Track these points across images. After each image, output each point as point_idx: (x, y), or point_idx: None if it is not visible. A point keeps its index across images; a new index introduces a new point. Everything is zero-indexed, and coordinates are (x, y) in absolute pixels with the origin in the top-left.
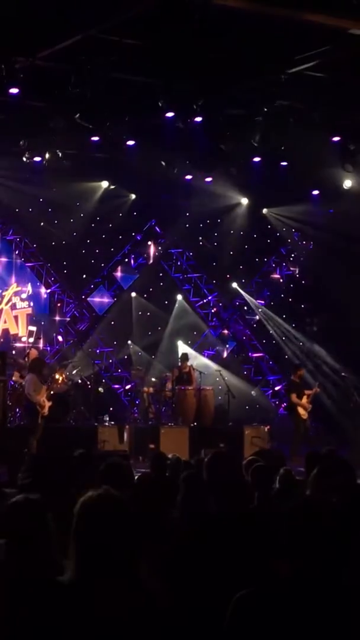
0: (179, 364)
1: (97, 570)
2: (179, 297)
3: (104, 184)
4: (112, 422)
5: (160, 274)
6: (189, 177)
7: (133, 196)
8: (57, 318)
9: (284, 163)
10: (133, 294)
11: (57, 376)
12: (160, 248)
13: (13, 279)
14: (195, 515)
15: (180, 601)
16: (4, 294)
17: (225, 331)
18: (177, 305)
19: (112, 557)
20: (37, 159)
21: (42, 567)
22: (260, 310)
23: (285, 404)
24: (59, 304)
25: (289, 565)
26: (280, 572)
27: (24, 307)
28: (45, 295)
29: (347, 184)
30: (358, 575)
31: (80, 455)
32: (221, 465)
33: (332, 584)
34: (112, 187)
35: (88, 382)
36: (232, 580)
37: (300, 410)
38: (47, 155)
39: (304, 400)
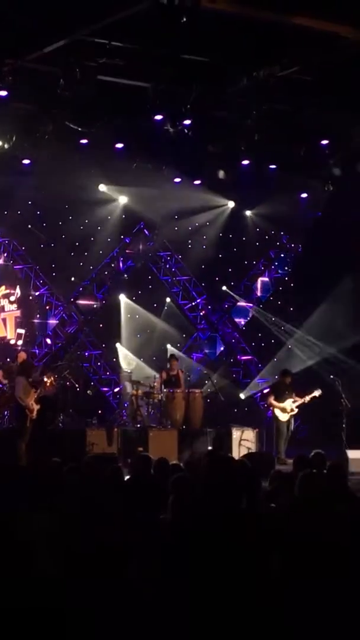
0: (168, 365)
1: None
2: (168, 299)
3: (93, 186)
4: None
5: (149, 277)
6: (177, 179)
7: (122, 199)
8: (46, 321)
9: (273, 166)
10: (122, 297)
11: (45, 379)
12: (148, 251)
13: (1, 281)
14: (186, 517)
15: (172, 600)
16: None
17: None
18: (165, 307)
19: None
20: (26, 161)
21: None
22: (250, 312)
23: None
24: (47, 307)
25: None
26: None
27: (12, 310)
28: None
29: (335, 186)
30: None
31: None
32: (213, 468)
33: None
34: (101, 190)
35: (77, 385)
36: (223, 579)
37: (277, 412)
38: (36, 158)
39: (288, 402)
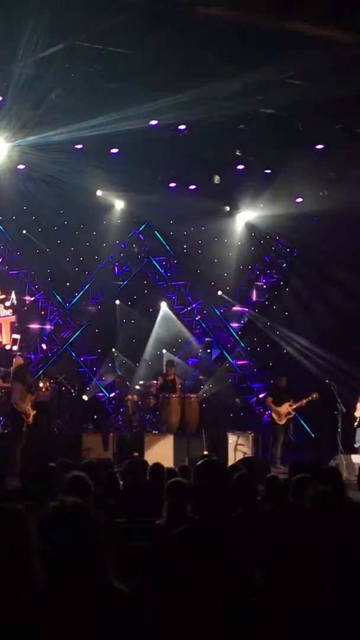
0: (164, 370)
1: (67, 580)
2: (163, 304)
3: (88, 192)
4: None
5: (144, 282)
6: (173, 184)
7: (117, 204)
8: (42, 326)
9: (268, 171)
10: (117, 302)
11: (40, 384)
12: (144, 256)
13: None
14: (180, 522)
15: (165, 607)
16: None
17: (208, 338)
18: (161, 312)
19: (80, 566)
20: (21, 166)
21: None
22: (246, 316)
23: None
24: (42, 312)
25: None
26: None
27: (8, 315)
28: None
29: (331, 191)
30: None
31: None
32: (208, 473)
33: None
34: (96, 195)
35: (72, 390)
36: (217, 588)
37: (274, 416)
38: (31, 163)
39: (285, 406)
